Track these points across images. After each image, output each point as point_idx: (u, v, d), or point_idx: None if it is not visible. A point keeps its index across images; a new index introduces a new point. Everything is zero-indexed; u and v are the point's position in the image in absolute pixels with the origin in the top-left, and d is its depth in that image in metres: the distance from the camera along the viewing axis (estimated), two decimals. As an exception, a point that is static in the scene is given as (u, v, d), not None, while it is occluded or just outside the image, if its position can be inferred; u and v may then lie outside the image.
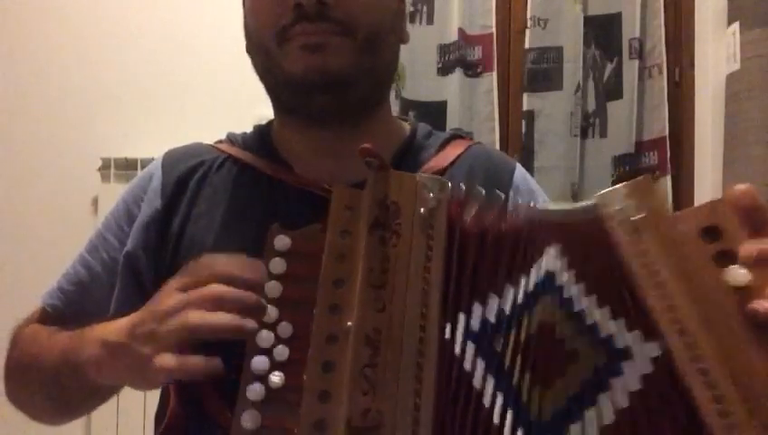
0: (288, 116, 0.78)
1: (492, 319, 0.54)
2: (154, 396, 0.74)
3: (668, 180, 1.92)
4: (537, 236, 0.57)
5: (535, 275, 0.56)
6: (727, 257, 0.53)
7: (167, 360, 0.56)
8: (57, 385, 0.70)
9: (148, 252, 0.75)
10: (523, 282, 0.55)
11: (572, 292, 0.55)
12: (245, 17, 0.78)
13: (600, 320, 0.54)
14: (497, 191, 0.60)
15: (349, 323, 0.54)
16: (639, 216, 0.55)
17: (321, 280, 0.56)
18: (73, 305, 0.78)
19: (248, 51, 0.78)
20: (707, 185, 1.85)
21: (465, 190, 0.59)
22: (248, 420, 0.54)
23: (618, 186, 0.57)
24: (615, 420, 0.51)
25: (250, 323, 0.56)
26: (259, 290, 0.58)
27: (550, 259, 0.56)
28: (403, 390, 0.52)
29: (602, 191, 0.57)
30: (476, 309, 0.55)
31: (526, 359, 0.53)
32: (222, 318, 0.56)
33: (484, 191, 0.59)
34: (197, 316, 0.56)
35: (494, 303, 0.55)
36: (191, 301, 0.57)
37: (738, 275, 0.52)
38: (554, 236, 0.57)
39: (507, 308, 0.55)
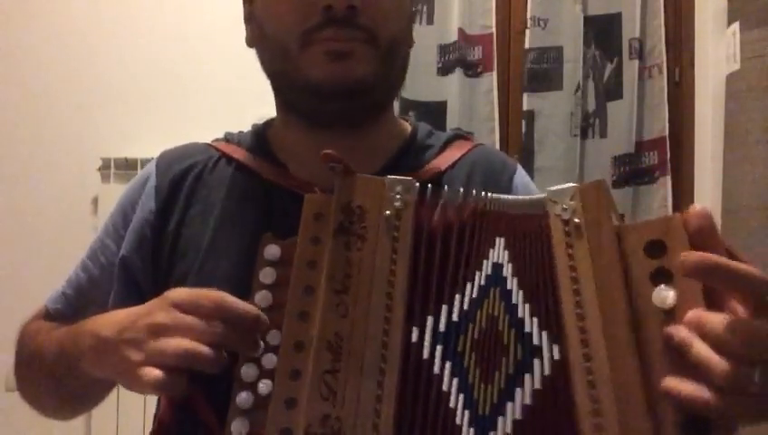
0: (294, 116, 0.77)
1: (455, 318, 0.54)
2: (153, 397, 0.74)
3: (668, 180, 1.92)
4: (488, 228, 0.57)
5: (485, 268, 0.56)
6: (664, 276, 0.52)
7: (154, 375, 0.55)
8: (57, 379, 0.70)
9: (144, 255, 0.75)
10: (477, 276, 0.56)
11: (511, 284, 0.55)
12: (257, 10, 0.75)
13: (525, 315, 0.54)
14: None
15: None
16: (581, 219, 0.55)
17: (290, 288, 0.56)
18: (75, 310, 0.78)
19: (253, 44, 0.77)
20: (707, 185, 1.85)
21: (433, 191, 0.58)
22: (238, 427, 0.54)
23: (570, 184, 0.57)
24: (522, 416, 0.51)
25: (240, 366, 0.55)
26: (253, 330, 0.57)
27: (498, 251, 0.57)
28: (364, 395, 0.52)
29: (554, 187, 0.57)
30: (444, 310, 0.55)
31: (478, 354, 0.54)
32: (212, 355, 0.55)
33: (454, 190, 0.59)
34: (194, 347, 0.55)
35: (457, 301, 0.55)
36: (187, 324, 0.56)
37: (663, 296, 0.51)
38: (503, 227, 0.58)
39: (466, 305, 0.55)
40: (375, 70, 0.71)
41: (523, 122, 1.94)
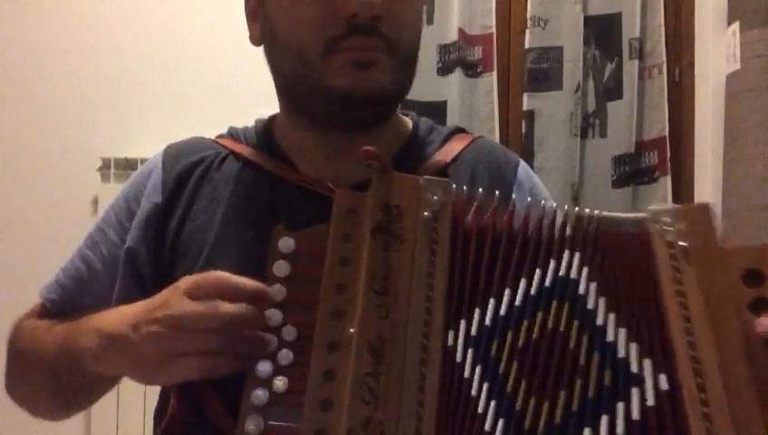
0: (301, 118, 0.77)
1: (488, 322, 0.54)
2: (154, 395, 0.74)
3: (668, 180, 1.92)
4: (548, 240, 0.56)
5: (539, 279, 0.54)
6: (764, 306, 0.51)
7: (174, 368, 0.57)
8: (55, 377, 0.70)
9: (149, 248, 0.75)
10: (522, 284, 0.54)
11: (594, 304, 0.53)
12: (271, 13, 0.74)
13: (619, 339, 0.52)
14: (501, 190, 0.60)
15: (351, 330, 0.53)
16: (688, 242, 0.53)
17: (323, 286, 0.55)
18: (72, 300, 0.77)
19: (262, 43, 0.76)
20: (707, 185, 1.85)
21: (468, 192, 0.58)
22: (252, 424, 0.54)
23: (674, 205, 0.55)
24: None
25: (259, 353, 0.56)
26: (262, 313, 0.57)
27: (568, 265, 0.54)
28: (406, 399, 0.51)
29: (656, 207, 0.55)
30: (477, 314, 0.54)
31: (523, 365, 0.52)
32: (230, 358, 0.56)
33: (488, 192, 0.59)
34: (210, 361, 0.56)
35: (492, 306, 0.54)
36: (201, 314, 0.57)
37: None
38: (578, 242, 0.55)
39: (503, 310, 0.54)
40: (394, 78, 0.71)
41: (523, 122, 1.94)
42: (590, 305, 0.53)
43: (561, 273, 0.54)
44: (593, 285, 0.54)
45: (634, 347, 0.51)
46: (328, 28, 0.69)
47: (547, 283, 0.54)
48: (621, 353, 0.51)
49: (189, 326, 0.56)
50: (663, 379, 0.50)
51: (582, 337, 0.52)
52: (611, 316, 0.53)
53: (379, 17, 0.68)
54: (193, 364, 0.57)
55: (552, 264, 0.55)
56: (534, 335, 0.53)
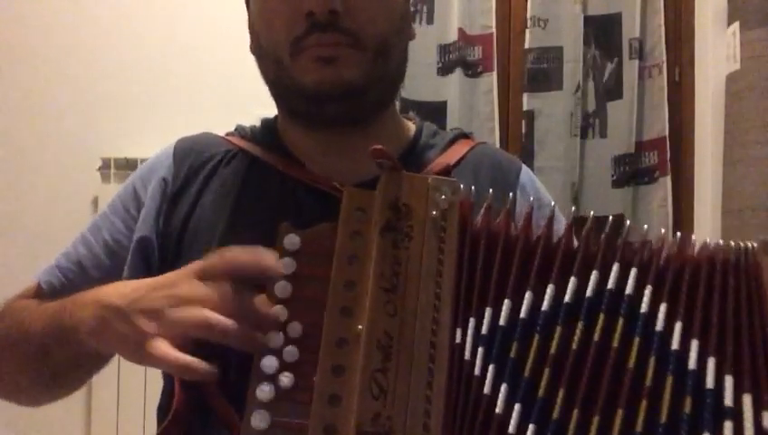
0: (296, 119, 0.78)
1: (503, 323, 0.53)
2: (154, 394, 0.74)
3: (668, 180, 1.92)
4: (585, 250, 0.55)
5: (576, 287, 0.53)
6: None
7: (165, 350, 0.54)
8: (43, 353, 0.68)
9: (158, 237, 0.75)
10: (550, 290, 0.54)
11: (663, 326, 0.51)
12: (253, 22, 0.77)
13: (707, 368, 0.50)
14: (504, 193, 0.60)
15: (360, 327, 0.53)
16: None
17: (331, 282, 0.55)
18: (69, 284, 0.76)
19: (254, 53, 0.78)
20: (707, 185, 1.86)
21: (476, 193, 0.58)
22: (258, 420, 0.54)
23: None
24: None
25: (261, 340, 0.55)
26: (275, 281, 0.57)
27: (619, 280, 0.53)
28: (414, 395, 0.51)
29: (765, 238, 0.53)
30: (488, 313, 0.54)
31: (559, 373, 0.51)
32: (235, 329, 0.55)
33: (497, 194, 0.59)
34: (214, 317, 0.55)
35: (507, 307, 0.54)
36: (209, 296, 0.56)
37: None
38: (650, 262, 0.54)
39: (524, 313, 0.53)
40: (365, 72, 0.71)
41: (523, 122, 1.94)
42: (658, 327, 0.52)
43: (609, 286, 0.53)
44: (663, 307, 0.52)
45: (729, 379, 0.50)
46: (292, 29, 0.70)
47: (589, 293, 0.53)
48: (709, 384, 0.50)
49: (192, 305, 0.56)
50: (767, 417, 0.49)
51: (648, 358, 0.51)
52: (694, 343, 0.51)
53: (336, 12, 0.69)
54: (189, 362, 0.55)
55: (595, 275, 0.53)
56: (574, 345, 0.51)
